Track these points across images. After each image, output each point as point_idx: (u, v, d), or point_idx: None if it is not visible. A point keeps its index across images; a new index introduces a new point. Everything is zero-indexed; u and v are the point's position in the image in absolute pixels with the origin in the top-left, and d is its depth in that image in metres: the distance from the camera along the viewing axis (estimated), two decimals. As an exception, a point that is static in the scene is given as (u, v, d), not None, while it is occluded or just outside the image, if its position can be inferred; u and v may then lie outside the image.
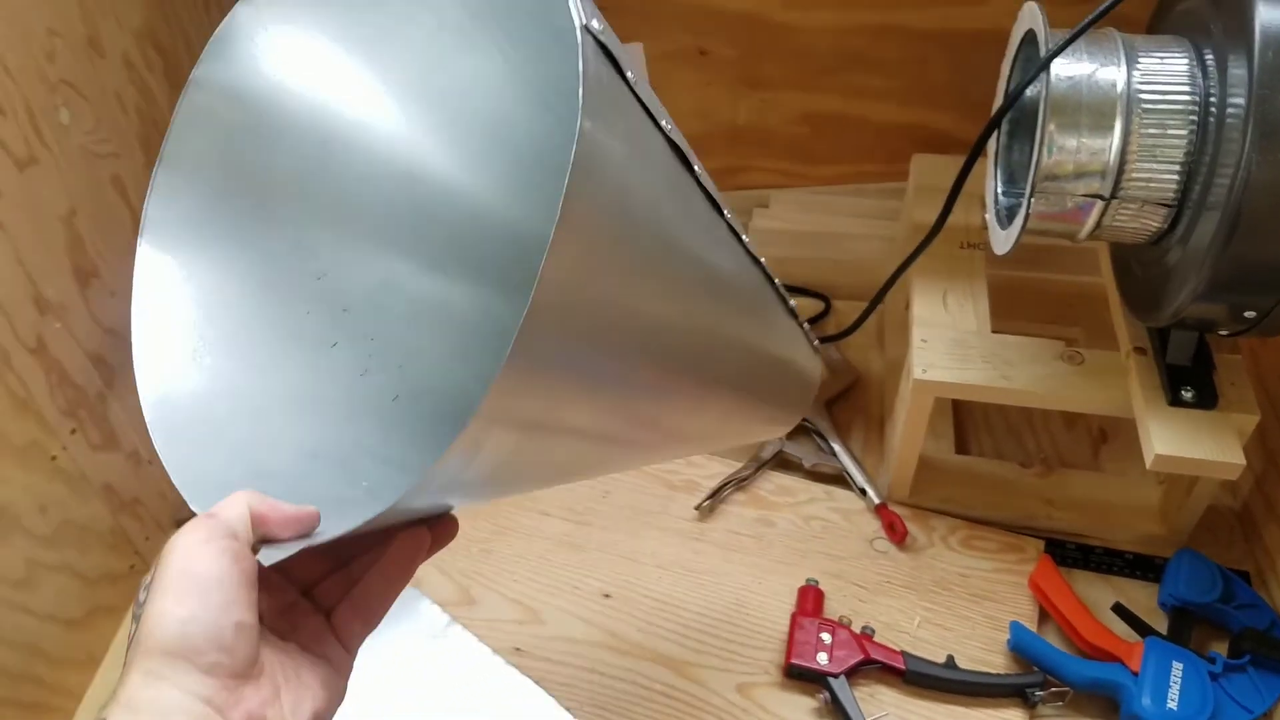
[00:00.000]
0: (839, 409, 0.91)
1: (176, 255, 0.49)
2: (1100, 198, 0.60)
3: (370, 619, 0.41)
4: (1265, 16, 0.54)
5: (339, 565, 0.42)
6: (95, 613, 0.77)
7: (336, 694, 0.39)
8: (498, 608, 0.78)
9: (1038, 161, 0.59)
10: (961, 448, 0.87)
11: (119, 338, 0.78)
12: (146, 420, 0.43)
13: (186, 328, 0.47)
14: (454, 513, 0.43)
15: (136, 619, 0.36)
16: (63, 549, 0.73)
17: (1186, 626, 0.73)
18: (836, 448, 0.86)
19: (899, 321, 0.92)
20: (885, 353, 0.94)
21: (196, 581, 0.34)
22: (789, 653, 0.72)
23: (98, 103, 0.74)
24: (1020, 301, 0.85)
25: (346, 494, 0.43)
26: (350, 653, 0.40)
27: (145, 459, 0.82)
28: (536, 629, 0.76)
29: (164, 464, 0.42)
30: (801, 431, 0.88)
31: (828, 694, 0.70)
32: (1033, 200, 0.60)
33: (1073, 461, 0.86)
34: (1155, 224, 0.61)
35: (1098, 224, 0.61)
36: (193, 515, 0.38)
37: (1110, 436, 0.86)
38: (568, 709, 0.70)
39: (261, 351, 0.48)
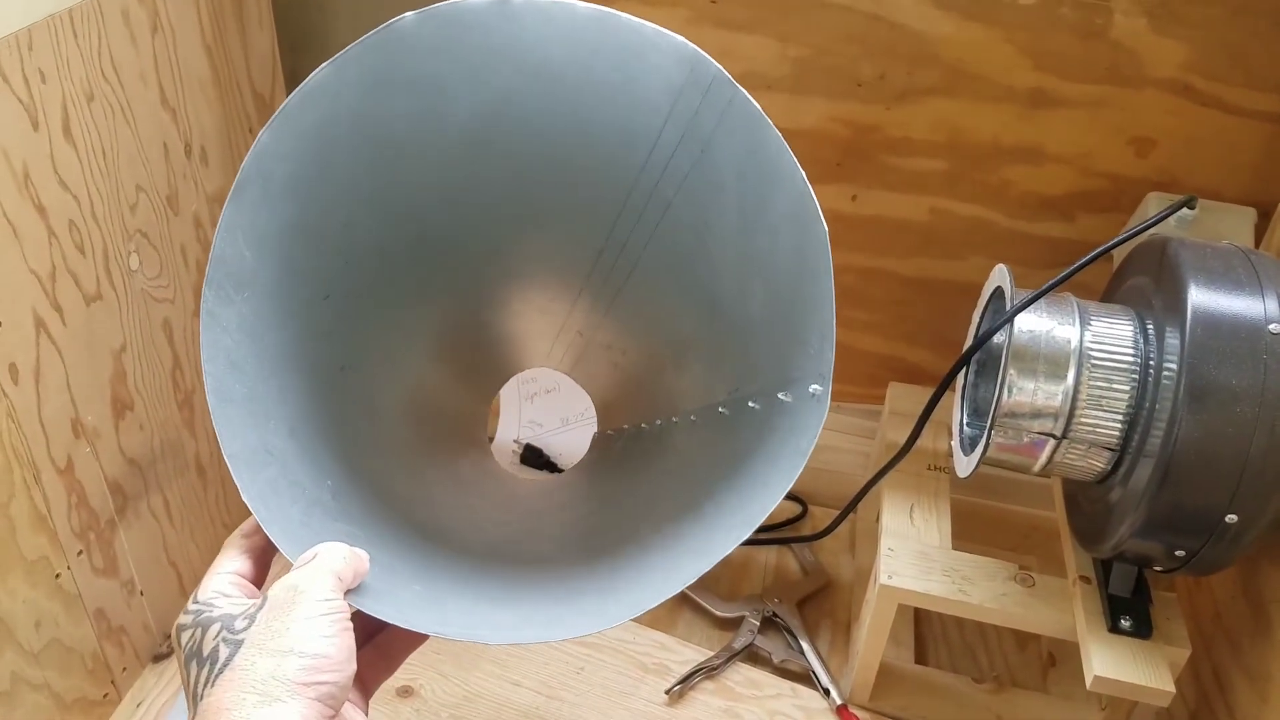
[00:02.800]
0: (809, 609, 0.96)
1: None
2: (1053, 436, 0.68)
3: (389, 668, 0.46)
4: (1196, 299, 0.64)
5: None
6: (64, 738, 0.78)
7: None
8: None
9: (999, 399, 0.68)
10: (920, 658, 0.92)
11: (139, 469, 0.84)
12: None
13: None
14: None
15: (201, 657, 0.40)
16: (46, 667, 0.75)
17: None
18: (805, 646, 0.91)
19: (870, 531, 0.99)
20: (855, 559, 1.01)
21: (325, 628, 0.40)
22: (745, 841, 0.75)
23: (165, 253, 0.83)
24: (981, 527, 0.93)
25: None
26: (368, 694, 0.46)
27: (138, 589, 0.85)
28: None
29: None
30: (773, 627, 0.94)
31: None
32: (993, 433, 0.69)
33: (1022, 681, 0.91)
34: (1100, 465, 0.70)
35: (1050, 460, 0.70)
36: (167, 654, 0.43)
37: (1059, 661, 0.91)
38: None
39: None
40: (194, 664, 0.40)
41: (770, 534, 1.04)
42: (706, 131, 0.53)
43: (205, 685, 0.39)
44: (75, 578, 0.77)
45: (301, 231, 0.52)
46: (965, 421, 0.77)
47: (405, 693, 0.85)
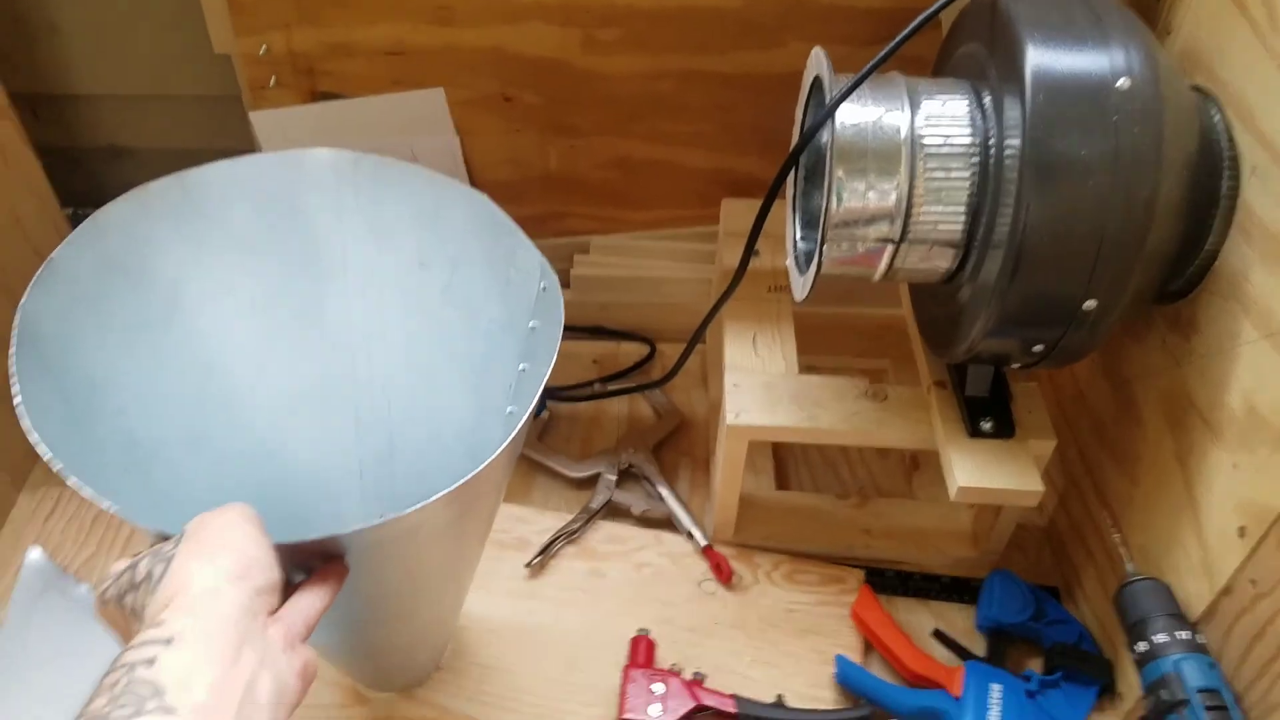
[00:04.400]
0: (665, 452, 0.90)
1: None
2: (890, 241, 0.61)
3: (306, 622, 0.46)
4: (1035, 60, 0.56)
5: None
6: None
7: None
8: (315, 691, 0.70)
9: (827, 208, 0.59)
10: (782, 483, 0.87)
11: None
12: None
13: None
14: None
15: (134, 585, 0.42)
16: None
17: (1003, 647, 0.75)
18: (664, 492, 0.85)
19: (720, 361, 0.93)
20: (709, 393, 0.94)
21: (247, 537, 0.43)
22: (621, 707, 0.70)
23: None
24: (830, 336, 0.87)
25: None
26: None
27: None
28: (358, 710, 0.72)
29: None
30: (630, 478, 0.87)
31: (660, 749, 0.69)
32: (825, 247, 0.61)
33: (887, 490, 0.87)
34: (945, 264, 0.63)
35: (890, 266, 0.63)
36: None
37: (922, 464, 0.88)
38: (390, 794, 0.66)
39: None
40: (129, 596, 0.42)
41: (619, 383, 0.96)
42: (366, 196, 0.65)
43: (146, 596, 0.41)
44: None
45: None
46: (799, 236, 0.69)
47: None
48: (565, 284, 0.98)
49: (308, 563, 0.48)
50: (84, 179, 1.00)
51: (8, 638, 0.75)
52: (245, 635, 0.40)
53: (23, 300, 0.53)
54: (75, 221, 0.58)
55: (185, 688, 0.36)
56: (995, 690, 0.71)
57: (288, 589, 0.46)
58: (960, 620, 0.78)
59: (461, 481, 0.48)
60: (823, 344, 0.84)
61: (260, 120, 0.87)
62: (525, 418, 0.52)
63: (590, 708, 0.72)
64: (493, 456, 0.49)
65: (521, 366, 0.62)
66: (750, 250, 0.68)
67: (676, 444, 0.91)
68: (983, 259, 0.60)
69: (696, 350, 0.80)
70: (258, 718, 0.38)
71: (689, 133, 0.90)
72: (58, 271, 0.55)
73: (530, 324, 0.62)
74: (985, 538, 0.80)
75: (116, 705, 0.36)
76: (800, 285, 0.65)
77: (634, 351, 0.99)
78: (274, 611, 0.43)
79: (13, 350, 0.50)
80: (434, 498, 0.47)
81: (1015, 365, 0.65)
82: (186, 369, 0.64)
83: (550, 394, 0.94)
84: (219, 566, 0.41)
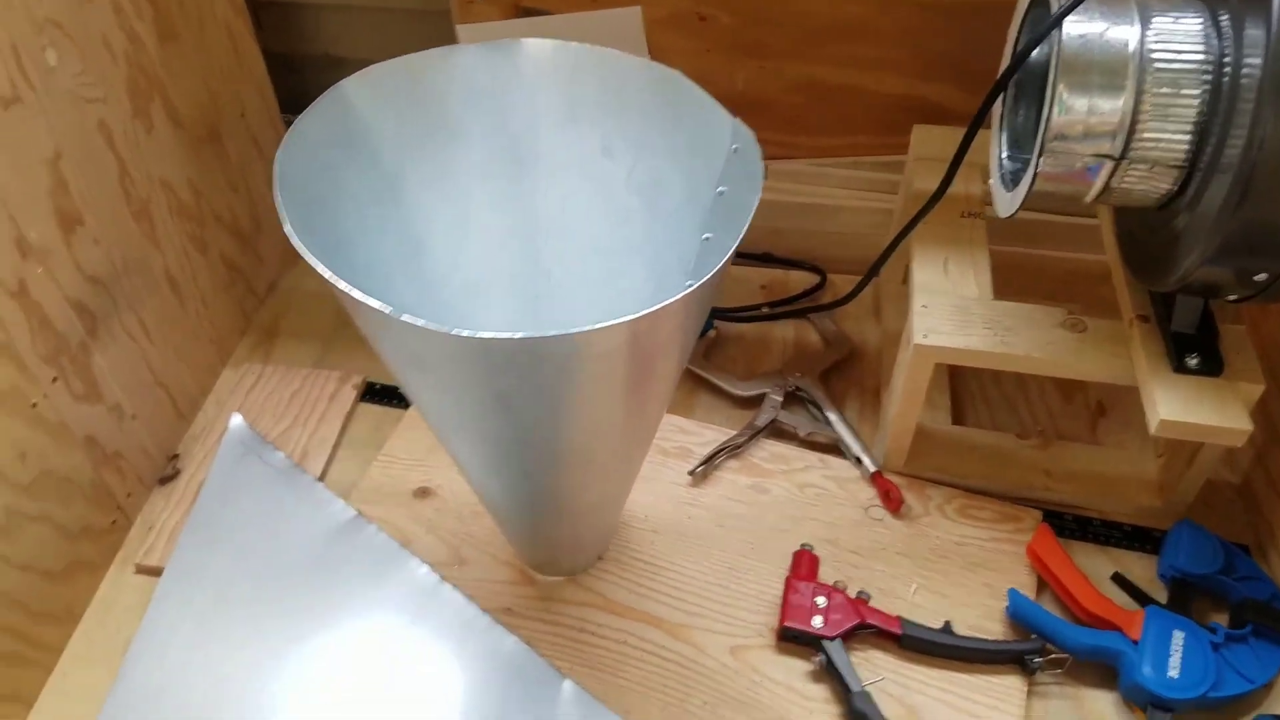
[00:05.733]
0: (834, 380, 0.90)
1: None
2: (1110, 159, 0.59)
3: None
4: (1284, -22, 0.53)
5: None
6: (75, 567, 0.76)
7: None
8: (489, 568, 0.76)
9: (1048, 120, 0.58)
10: (958, 419, 0.86)
11: (103, 287, 0.77)
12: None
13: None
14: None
15: None
16: (42, 499, 0.72)
17: (1186, 598, 0.73)
18: (832, 417, 0.85)
19: (895, 293, 0.92)
20: (882, 324, 0.93)
21: None
22: (783, 615, 0.71)
23: (85, 46, 0.73)
24: (1017, 278, 0.84)
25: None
26: None
27: (128, 414, 0.80)
28: (527, 589, 0.75)
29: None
30: (796, 401, 0.88)
31: (823, 657, 0.69)
32: (1041, 160, 0.59)
33: (1070, 434, 0.85)
34: (1164, 186, 0.60)
35: (1106, 186, 0.61)
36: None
37: (1108, 410, 0.85)
38: (557, 669, 0.69)
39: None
40: None
41: (787, 306, 0.96)
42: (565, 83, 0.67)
43: None
44: (55, 406, 0.72)
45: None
46: (1005, 155, 0.68)
47: (423, 494, 0.81)
48: (742, 210, 0.98)
49: None
50: (299, 86, 1.05)
51: (210, 496, 0.81)
52: None
53: (278, 153, 0.56)
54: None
55: None
56: (1178, 638, 0.68)
57: None
58: (1140, 569, 0.76)
59: (647, 311, 0.48)
60: (1009, 286, 0.81)
61: (466, 34, 0.90)
62: (721, 264, 0.51)
63: (751, 614, 0.73)
64: (680, 295, 0.49)
65: (705, 236, 0.62)
66: (955, 169, 0.67)
67: (845, 374, 0.91)
68: (1207, 183, 0.58)
69: (870, 282, 0.80)
70: None
71: (879, 58, 0.89)
72: (303, 138, 0.58)
73: (718, 189, 0.61)
74: (1173, 488, 0.77)
75: None
76: (1007, 202, 0.63)
77: (803, 280, 0.99)
78: None
79: (277, 194, 0.54)
80: (619, 320, 0.48)
81: (1231, 297, 0.63)
82: (403, 246, 0.66)
83: (718, 313, 0.95)
84: None
